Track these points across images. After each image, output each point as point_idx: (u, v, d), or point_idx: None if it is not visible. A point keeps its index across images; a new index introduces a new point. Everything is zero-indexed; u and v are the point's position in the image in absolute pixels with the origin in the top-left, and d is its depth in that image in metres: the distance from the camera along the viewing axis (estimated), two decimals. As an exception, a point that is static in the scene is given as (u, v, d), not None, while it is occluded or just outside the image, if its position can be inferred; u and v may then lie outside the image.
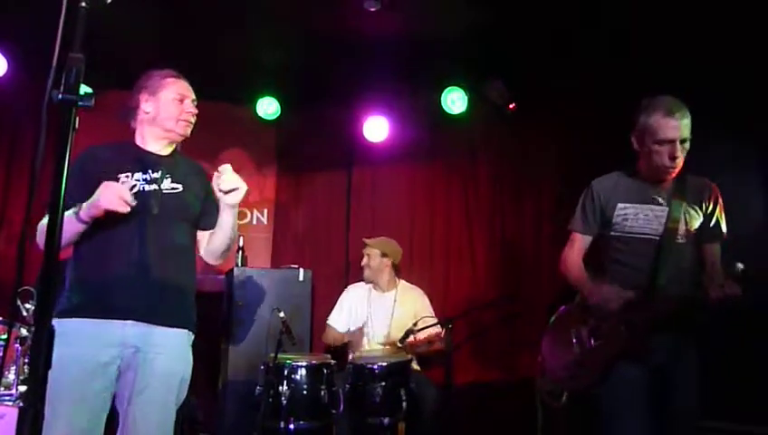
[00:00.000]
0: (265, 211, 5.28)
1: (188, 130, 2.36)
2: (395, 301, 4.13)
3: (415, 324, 3.80)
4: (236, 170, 2.23)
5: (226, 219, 2.29)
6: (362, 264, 4.25)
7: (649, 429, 2.38)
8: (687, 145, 2.43)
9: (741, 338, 3.13)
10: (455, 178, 5.04)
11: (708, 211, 2.51)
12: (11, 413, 2.92)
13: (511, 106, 4.63)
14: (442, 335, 3.80)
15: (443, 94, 4.82)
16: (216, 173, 2.22)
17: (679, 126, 2.39)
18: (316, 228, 5.25)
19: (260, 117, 5.12)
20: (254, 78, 4.88)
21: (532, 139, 4.68)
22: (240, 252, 4.57)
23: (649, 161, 2.49)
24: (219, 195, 2.21)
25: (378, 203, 5.21)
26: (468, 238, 4.90)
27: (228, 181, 2.19)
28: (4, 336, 3.13)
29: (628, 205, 2.54)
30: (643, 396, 2.41)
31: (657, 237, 2.47)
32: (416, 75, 4.63)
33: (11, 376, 3.15)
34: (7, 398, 3.07)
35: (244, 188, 2.21)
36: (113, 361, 2.08)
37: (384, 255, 4.19)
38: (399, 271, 4.32)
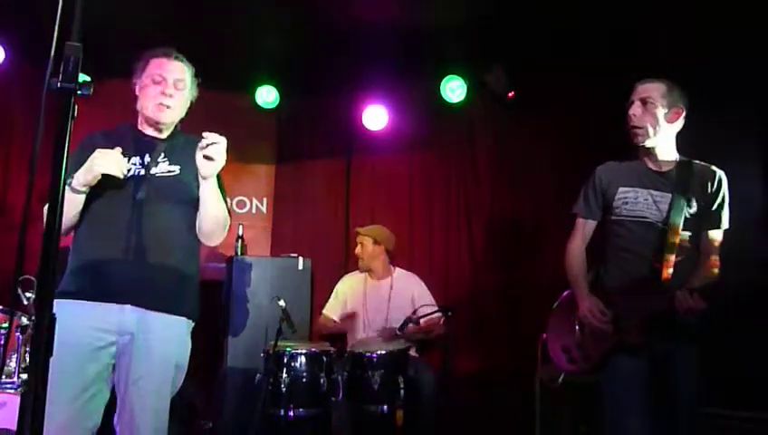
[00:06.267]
0: (264, 200, 5.28)
1: (164, 117, 2.23)
2: (391, 288, 4.13)
3: (414, 312, 3.82)
4: (235, 160, 2.17)
5: (204, 193, 2.14)
6: (356, 252, 4.27)
7: (651, 421, 2.36)
8: (653, 108, 2.47)
9: (742, 324, 3.13)
10: (454, 166, 5.04)
11: (709, 197, 2.48)
12: (12, 401, 2.94)
13: (510, 94, 4.63)
14: (442, 322, 3.82)
15: (442, 83, 4.82)
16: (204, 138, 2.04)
17: (636, 90, 2.53)
18: (315, 217, 5.25)
19: (259, 106, 5.11)
20: (253, 66, 4.87)
21: (532, 127, 4.67)
22: (239, 241, 4.58)
23: None
24: (199, 164, 2.06)
25: (377, 191, 5.21)
26: (467, 226, 4.90)
27: (211, 145, 2.01)
28: (5, 325, 3.15)
29: (629, 188, 2.53)
30: (643, 388, 2.39)
31: (660, 224, 2.45)
32: (415, 64, 4.62)
33: (12, 364, 3.17)
34: (9, 386, 3.09)
35: (220, 162, 2.05)
36: (109, 346, 2.06)
37: (377, 242, 4.20)
38: (394, 258, 4.32)
